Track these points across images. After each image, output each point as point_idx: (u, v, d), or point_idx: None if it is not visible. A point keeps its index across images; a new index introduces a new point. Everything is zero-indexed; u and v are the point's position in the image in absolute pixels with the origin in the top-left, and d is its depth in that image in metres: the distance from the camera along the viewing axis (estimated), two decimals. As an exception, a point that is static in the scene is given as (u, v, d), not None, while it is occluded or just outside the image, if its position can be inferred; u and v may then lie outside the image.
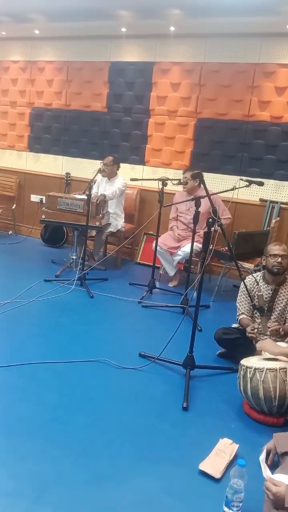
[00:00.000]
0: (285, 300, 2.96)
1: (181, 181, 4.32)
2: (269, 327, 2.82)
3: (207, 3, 4.02)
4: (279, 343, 2.66)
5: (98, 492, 1.85)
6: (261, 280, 3.03)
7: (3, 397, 2.46)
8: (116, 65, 5.37)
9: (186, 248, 4.31)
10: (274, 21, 4.20)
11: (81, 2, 4.33)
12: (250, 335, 2.84)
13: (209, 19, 4.39)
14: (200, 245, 4.05)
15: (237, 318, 3.11)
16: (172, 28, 4.76)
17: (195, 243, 3.99)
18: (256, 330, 2.82)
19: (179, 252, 4.45)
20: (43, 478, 1.89)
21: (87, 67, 5.53)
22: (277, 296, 2.97)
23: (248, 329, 2.85)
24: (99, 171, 4.44)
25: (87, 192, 4.19)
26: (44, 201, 5.11)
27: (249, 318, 3.04)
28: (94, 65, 5.49)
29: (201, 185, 4.59)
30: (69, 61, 5.65)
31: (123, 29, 5.01)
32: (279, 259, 2.91)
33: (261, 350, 2.64)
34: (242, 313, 3.07)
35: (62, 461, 2.00)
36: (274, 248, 2.95)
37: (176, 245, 4.52)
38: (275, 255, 2.92)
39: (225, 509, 1.77)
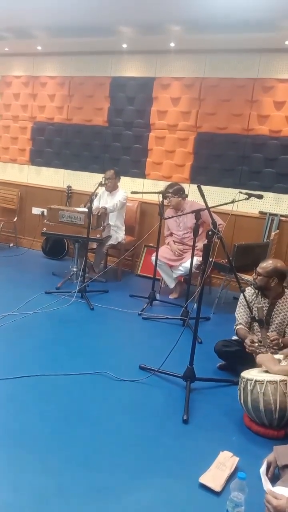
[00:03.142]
0: (282, 313, 2.96)
1: (163, 196, 4.31)
2: (269, 337, 2.81)
3: (206, 20, 4.10)
4: (278, 356, 2.65)
5: (98, 504, 1.84)
6: (259, 294, 3.04)
7: (3, 409, 2.45)
8: (117, 80, 5.45)
9: (187, 263, 4.33)
10: (273, 37, 4.28)
11: (83, 18, 4.42)
12: (250, 349, 2.81)
13: (208, 35, 4.47)
14: (201, 259, 4.08)
15: (235, 328, 3.10)
16: (172, 44, 4.85)
17: (195, 257, 4.01)
18: (256, 344, 2.81)
19: (181, 268, 4.47)
20: (43, 490, 1.89)
21: (88, 82, 5.61)
22: (274, 309, 2.98)
23: (248, 341, 2.84)
24: (100, 184, 4.48)
25: (88, 205, 4.22)
26: (45, 214, 5.14)
27: (246, 329, 3.04)
28: (95, 80, 5.57)
29: (186, 199, 4.65)
30: (70, 76, 5.74)
31: (124, 45, 5.09)
32: (255, 276, 2.97)
33: (261, 364, 2.63)
34: (240, 324, 3.07)
35: (62, 473, 2.00)
36: (259, 265, 2.98)
37: (176, 258, 4.54)
38: (255, 272, 2.97)
39: (226, 522, 1.76)
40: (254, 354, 2.81)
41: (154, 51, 5.15)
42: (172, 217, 4.57)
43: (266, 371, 2.52)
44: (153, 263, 4.46)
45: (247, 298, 2.96)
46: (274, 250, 4.51)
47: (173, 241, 4.73)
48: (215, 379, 3.00)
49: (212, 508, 1.88)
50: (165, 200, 4.40)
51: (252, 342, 2.81)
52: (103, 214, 4.68)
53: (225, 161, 4.98)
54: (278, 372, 2.46)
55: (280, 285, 2.97)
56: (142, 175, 5.46)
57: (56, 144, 5.98)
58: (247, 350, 2.84)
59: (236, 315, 3.13)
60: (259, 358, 2.63)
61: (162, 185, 5.21)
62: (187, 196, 4.71)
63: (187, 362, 2.79)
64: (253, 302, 3.00)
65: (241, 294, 2.98)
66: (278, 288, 2.96)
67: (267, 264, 2.94)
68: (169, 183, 4.76)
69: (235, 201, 3.45)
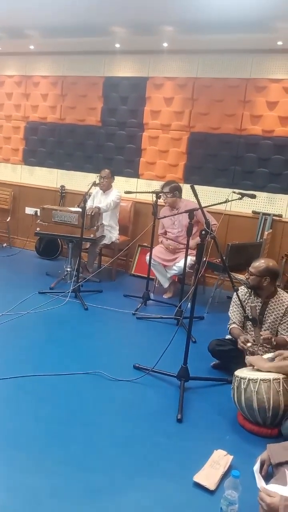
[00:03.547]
0: (275, 312, 2.98)
1: (157, 195, 4.29)
2: (262, 335, 2.83)
3: (199, 20, 4.11)
4: (268, 355, 2.66)
5: (93, 505, 1.85)
6: (252, 293, 3.06)
7: (-3, 410, 2.45)
8: (110, 80, 5.45)
9: (181, 263, 4.33)
10: (266, 37, 4.30)
11: (76, 18, 4.42)
12: (241, 345, 2.84)
13: (201, 35, 4.49)
14: (194, 258, 4.09)
15: (228, 327, 3.12)
16: (165, 44, 4.86)
17: (189, 257, 4.02)
18: (250, 343, 2.82)
19: (174, 267, 4.48)
20: (37, 491, 1.89)
21: (81, 81, 5.61)
22: (267, 308, 2.99)
23: (241, 338, 2.86)
24: (94, 184, 4.48)
25: (82, 205, 4.22)
26: (39, 214, 5.13)
27: (240, 328, 3.05)
28: (88, 79, 5.56)
29: (181, 198, 4.66)
30: (63, 75, 5.73)
31: (117, 45, 5.10)
32: (247, 276, 2.99)
33: (251, 365, 2.64)
34: (233, 323, 3.08)
35: (56, 474, 2.00)
36: (252, 265, 2.99)
37: (170, 257, 4.55)
38: (248, 271, 2.99)
39: (220, 520, 1.77)
40: (246, 353, 2.83)
41: (147, 51, 5.15)
42: (165, 217, 4.58)
43: (259, 370, 2.54)
44: (147, 262, 4.47)
45: (240, 298, 2.98)
46: (267, 249, 4.53)
47: (166, 239, 4.74)
48: (209, 378, 3.01)
49: (207, 506, 1.89)
50: (162, 197, 4.40)
51: (246, 341, 2.82)
52: (97, 214, 4.68)
53: (218, 161, 5.00)
54: (269, 369, 2.48)
55: (273, 285, 2.98)
56: (136, 175, 5.47)
57: (49, 143, 5.97)
58: (238, 346, 2.86)
59: (229, 314, 3.15)
60: (248, 359, 2.64)
61: (155, 185, 5.24)
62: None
63: (181, 361, 2.80)
64: (247, 301, 3.02)
65: (234, 293, 2.99)
66: (270, 287, 2.97)
67: (259, 263, 2.95)
68: (163, 182, 4.77)
69: (229, 201, 3.47)
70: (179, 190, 4.62)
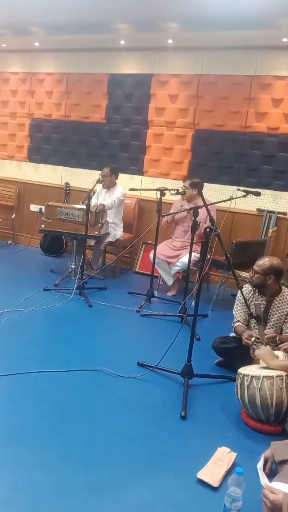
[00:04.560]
0: (280, 311, 2.98)
1: (179, 191, 4.35)
2: (266, 334, 2.83)
3: (204, 17, 4.09)
4: (277, 352, 2.67)
5: (96, 501, 1.86)
6: (257, 291, 3.05)
7: (1, 406, 2.47)
8: (115, 77, 5.44)
9: (184, 259, 4.34)
10: (271, 34, 4.28)
11: (81, 15, 4.41)
12: (245, 341, 2.85)
13: (206, 32, 4.46)
14: (198, 255, 4.08)
15: (233, 325, 3.12)
16: (170, 41, 4.84)
17: (193, 253, 4.02)
18: (254, 338, 2.83)
19: (178, 263, 4.48)
20: (41, 487, 1.90)
21: (86, 79, 5.60)
22: (271, 307, 2.99)
23: (245, 334, 2.86)
24: (98, 181, 4.48)
25: (86, 202, 4.22)
26: (43, 211, 5.14)
27: (244, 326, 3.05)
28: (93, 77, 5.56)
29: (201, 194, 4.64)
30: (68, 73, 5.73)
31: (122, 42, 5.08)
32: (252, 274, 2.99)
33: (258, 358, 2.65)
34: (238, 321, 3.08)
35: (60, 470, 2.01)
36: (256, 263, 2.99)
37: (173, 254, 4.55)
38: (252, 270, 2.98)
39: (223, 517, 1.78)
40: (250, 349, 2.83)
41: (152, 48, 5.14)
42: (169, 214, 4.54)
43: (264, 367, 2.54)
44: (151, 260, 4.47)
45: (244, 295, 2.97)
46: (272, 247, 4.52)
47: (174, 238, 4.73)
48: (213, 375, 3.02)
49: (210, 503, 1.89)
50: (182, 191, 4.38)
51: (250, 336, 2.83)
52: (101, 211, 4.68)
53: (223, 158, 4.99)
54: (275, 366, 2.48)
55: (277, 283, 2.98)
56: (140, 172, 5.46)
57: (54, 141, 5.97)
58: (243, 342, 2.86)
59: (234, 312, 3.15)
60: (258, 352, 2.64)
61: (160, 182, 5.24)
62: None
63: (185, 358, 2.80)
64: (251, 299, 3.01)
65: (239, 291, 2.99)
66: (275, 285, 2.97)
67: (264, 262, 2.95)
68: (167, 179, 4.74)
69: (233, 198, 3.46)
70: (199, 186, 4.56)
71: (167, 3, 3.88)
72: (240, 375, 2.52)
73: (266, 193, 4.78)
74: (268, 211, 4.81)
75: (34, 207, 6.23)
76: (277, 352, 2.67)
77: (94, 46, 5.38)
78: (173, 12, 4.12)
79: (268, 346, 2.76)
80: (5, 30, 5.25)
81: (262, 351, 2.64)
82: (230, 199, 3.43)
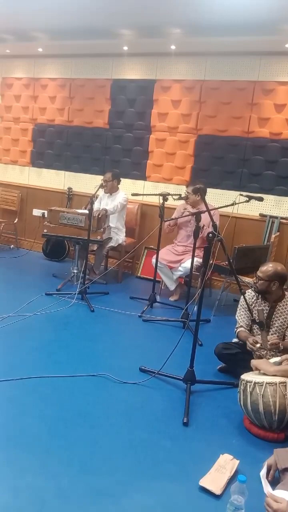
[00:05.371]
0: (283, 316, 2.96)
1: (182, 196, 4.36)
2: (269, 341, 2.82)
3: (207, 23, 4.11)
4: (275, 359, 2.65)
5: (98, 507, 1.84)
6: (260, 297, 3.04)
7: (3, 411, 2.45)
8: (117, 82, 5.46)
9: (186, 264, 4.33)
10: (273, 39, 4.29)
11: (84, 21, 4.44)
12: (250, 346, 2.83)
13: (209, 38, 4.48)
14: (201, 260, 4.08)
15: (235, 331, 3.11)
16: (172, 47, 4.86)
17: (195, 258, 4.01)
18: (259, 345, 2.81)
19: (180, 268, 4.47)
20: (43, 492, 1.89)
21: (89, 84, 5.63)
22: (274, 312, 2.98)
23: (251, 339, 2.85)
24: (101, 186, 4.49)
25: (89, 207, 4.23)
26: (46, 216, 5.14)
27: (247, 331, 3.04)
28: (96, 82, 5.58)
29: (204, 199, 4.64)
30: (71, 78, 5.75)
31: (125, 47, 5.11)
32: (255, 280, 2.98)
33: (256, 368, 2.63)
34: (241, 326, 3.07)
35: (61, 475, 2.00)
36: (259, 269, 2.98)
37: (176, 259, 4.54)
38: (256, 276, 2.98)
39: (226, 525, 1.76)
40: (254, 355, 2.82)
41: (154, 53, 5.16)
42: (172, 219, 4.54)
43: (265, 374, 2.52)
44: (154, 265, 4.46)
45: (247, 301, 2.96)
46: (275, 252, 4.51)
47: (177, 242, 4.73)
48: (215, 381, 3.00)
49: (212, 511, 1.87)
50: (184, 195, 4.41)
51: (255, 342, 2.81)
52: (104, 216, 4.69)
53: (225, 164, 4.99)
54: (274, 372, 2.46)
55: (281, 288, 2.97)
56: (143, 177, 5.47)
57: (56, 146, 5.99)
58: (247, 347, 2.85)
59: (236, 317, 3.14)
60: (254, 362, 2.63)
61: (162, 187, 5.24)
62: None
63: (187, 364, 2.79)
64: (254, 304, 3.00)
65: (242, 297, 2.98)
66: (278, 291, 2.96)
67: (267, 268, 2.94)
68: (170, 184, 4.74)
69: (236, 204, 3.46)
70: (202, 192, 4.57)
71: (170, 9, 3.90)
72: (242, 382, 2.50)
73: (269, 198, 4.77)
74: (271, 216, 4.80)
75: (36, 212, 6.24)
76: (274, 359, 2.64)
77: (97, 51, 5.41)
78: (175, 18, 4.14)
79: (269, 354, 2.74)
80: (9, 35, 5.28)
81: (257, 361, 2.62)
82: (232, 204, 3.43)
